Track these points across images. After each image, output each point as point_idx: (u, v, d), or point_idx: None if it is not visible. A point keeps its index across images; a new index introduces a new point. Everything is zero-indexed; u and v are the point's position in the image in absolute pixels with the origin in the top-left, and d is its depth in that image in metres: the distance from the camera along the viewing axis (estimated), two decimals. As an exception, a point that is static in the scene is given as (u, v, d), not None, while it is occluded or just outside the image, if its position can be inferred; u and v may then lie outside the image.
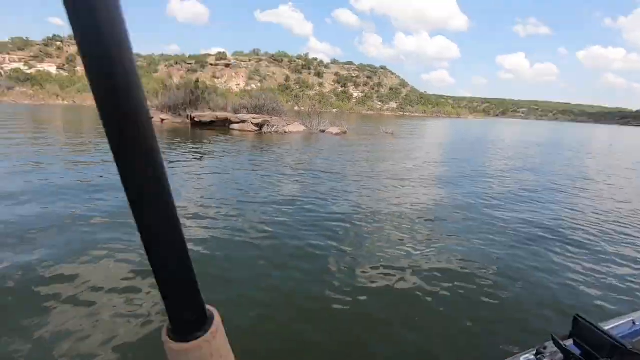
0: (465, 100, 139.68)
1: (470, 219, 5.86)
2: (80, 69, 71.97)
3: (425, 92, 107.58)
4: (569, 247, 4.87)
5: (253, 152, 12.31)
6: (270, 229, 4.87)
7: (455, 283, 3.69)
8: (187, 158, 10.18)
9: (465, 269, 4.02)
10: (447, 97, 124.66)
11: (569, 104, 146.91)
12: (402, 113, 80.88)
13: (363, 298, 3.31)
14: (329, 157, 11.80)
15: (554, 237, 5.21)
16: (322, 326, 2.88)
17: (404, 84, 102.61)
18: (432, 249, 4.51)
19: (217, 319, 0.31)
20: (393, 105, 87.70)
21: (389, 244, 4.63)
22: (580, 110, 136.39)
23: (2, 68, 60.02)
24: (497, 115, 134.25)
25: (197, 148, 12.32)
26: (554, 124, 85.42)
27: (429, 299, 3.37)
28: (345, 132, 20.83)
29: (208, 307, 0.31)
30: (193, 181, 7.48)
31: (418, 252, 4.39)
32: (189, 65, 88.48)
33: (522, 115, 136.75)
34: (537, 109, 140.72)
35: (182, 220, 4.76)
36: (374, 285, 3.57)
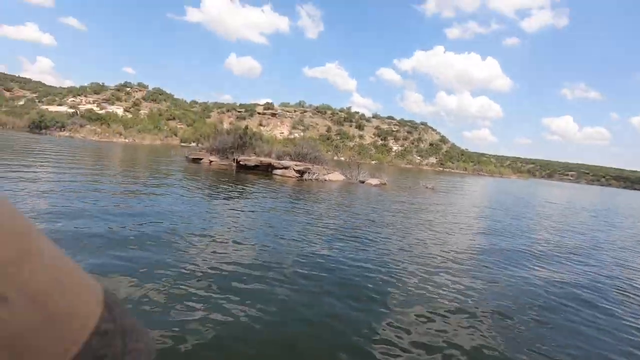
0: (509, 160, 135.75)
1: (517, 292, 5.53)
2: (142, 112, 79.66)
3: (467, 149, 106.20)
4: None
5: (293, 197, 12.63)
6: (303, 280, 4.87)
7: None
8: (230, 197, 10.65)
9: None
10: (489, 155, 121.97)
11: (623, 169, 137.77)
12: (441, 169, 79.81)
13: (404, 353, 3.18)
14: (368, 207, 11.81)
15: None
16: None
17: (444, 140, 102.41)
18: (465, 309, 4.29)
19: None
20: (432, 160, 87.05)
21: (431, 301, 4.47)
22: (637, 177, 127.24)
23: (78, 108, 67.79)
24: (543, 177, 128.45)
25: (240, 189, 12.88)
26: (608, 190, 79.88)
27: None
28: (384, 184, 20.86)
29: None
30: (231, 220, 7.77)
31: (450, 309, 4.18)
32: (239, 113, 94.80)
33: (572, 178, 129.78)
34: (588, 173, 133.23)
35: (211, 255, 4.96)
36: (417, 340, 3.43)
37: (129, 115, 71.36)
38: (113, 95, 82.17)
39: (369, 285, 4.71)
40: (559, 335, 3.93)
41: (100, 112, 66.66)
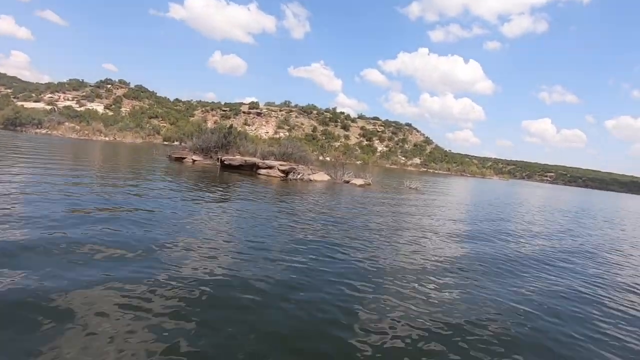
0: (490, 161, 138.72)
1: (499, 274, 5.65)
2: (124, 109, 77.80)
3: (450, 150, 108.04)
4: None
5: (278, 198, 12.56)
6: (284, 277, 4.86)
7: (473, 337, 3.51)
8: (213, 198, 10.50)
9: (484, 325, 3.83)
10: (472, 156, 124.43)
11: (599, 171, 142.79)
12: (425, 169, 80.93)
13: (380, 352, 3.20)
14: (352, 208, 11.86)
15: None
16: None
17: (428, 141, 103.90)
18: (447, 303, 4.36)
19: None
20: (417, 160, 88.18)
21: (408, 297, 4.51)
22: (612, 178, 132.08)
23: (57, 105, 65.67)
24: (523, 178, 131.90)
25: (223, 189, 12.72)
26: (584, 191, 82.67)
27: (445, 349, 3.22)
28: (369, 184, 20.99)
29: None
30: (214, 220, 7.66)
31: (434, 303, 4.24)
32: (224, 112, 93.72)
33: (550, 179, 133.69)
34: (566, 174, 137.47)
35: (195, 256, 4.85)
36: (388, 341, 3.46)
37: (110, 113, 69.63)
38: (93, 92, 79.94)
39: (348, 284, 4.72)
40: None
41: (79, 109, 64.80)
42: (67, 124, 45.66)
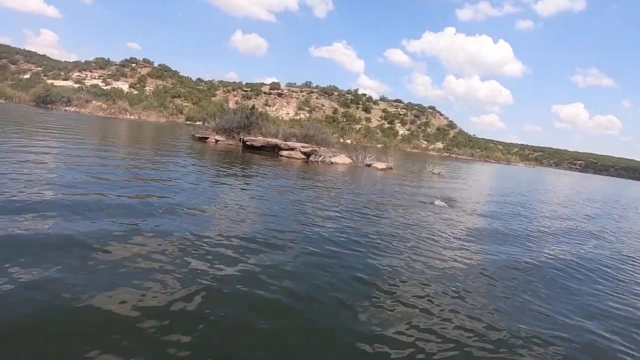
0: (516, 147, 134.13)
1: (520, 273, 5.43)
2: (148, 88, 79.06)
3: (474, 135, 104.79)
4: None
5: (299, 179, 12.52)
6: (302, 264, 4.79)
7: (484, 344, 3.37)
8: (235, 178, 10.54)
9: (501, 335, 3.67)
10: (497, 142, 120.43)
11: (633, 160, 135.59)
12: (448, 154, 79.03)
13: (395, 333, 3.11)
14: (375, 192, 11.69)
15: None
16: None
17: (452, 125, 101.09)
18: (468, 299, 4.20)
19: None
20: (439, 145, 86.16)
21: (428, 288, 4.38)
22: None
23: (84, 83, 67.34)
24: (551, 165, 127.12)
25: (245, 169, 12.77)
26: (615, 180, 78.94)
27: (461, 337, 3.10)
28: (391, 168, 20.65)
29: None
30: (236, 200, 7.68)
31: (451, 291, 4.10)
32: (245, 92, 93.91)
33: (579, 167, 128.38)
34: (597, 162, 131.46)
35: (212, 235, 4.92)
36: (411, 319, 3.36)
37: (134, 92, 70.95)
38: (118, 71, 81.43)
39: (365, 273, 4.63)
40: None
41: (105, 87, 66.29)
42: (94, 102, 46.87)
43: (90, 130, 21.50)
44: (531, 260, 6.12)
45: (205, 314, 3.15)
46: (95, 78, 76.90)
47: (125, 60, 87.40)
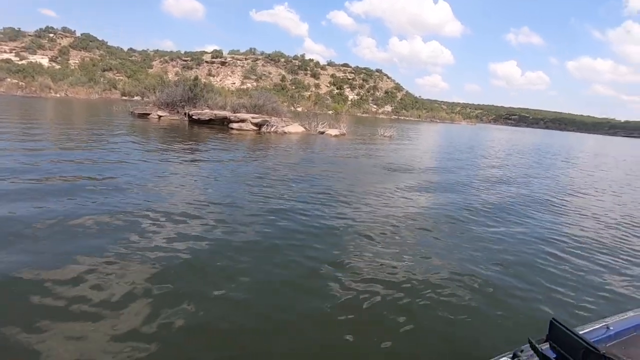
0: (459, 106, 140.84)
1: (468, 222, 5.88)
2: (72, 62, 70.77)
3: (420, 96, 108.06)
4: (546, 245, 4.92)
5: (251, 151, 12.22)
6: (265, 232, 4.81)
7: (435, 289, 3.70)
8: (185, 157, 10.03)
9: (446, 274, 4.03)
10: (441, 102, 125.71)
11: (560, 112, 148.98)
12: (396, 117, 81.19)
13: (349, 300, 3.29)
14: (331, 160, 11.78)
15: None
16: (297, 328, 2.86)
17: (398, 87, 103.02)
18: (419, 254, 4.52)
19: None
20: (388, 108, 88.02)
21: (385, 249, 4.62)
22: (571, 119, 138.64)
23: (-8, 58, 58.66)
24: (490, 122, 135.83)
25: (194, 145, 12.18)
26: (543, 132, 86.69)
27: (411, 303, 3.39)
28: (344, 134, 20.82)
29: None
30: (188, 180, 7.37)
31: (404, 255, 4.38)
32: (185, 62, 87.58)
33: (513, 122, 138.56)
34: (528, 117, 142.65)
35: (172, 220, 4.75)
36: (361, 285, 3.55)
37: (57, 66, 63.29)
38: (34, 43, 71.55)
39: (327, 238, 4.76)
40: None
41: (20, 62, 58.39)
42: (8, 79, 41.27)
43: (10, 112, 19.01)
44: (466, 205, 6.63)
45: (164, 286, 3.05)
46: (5, 52, 67.18)
47: (41, 29, 76.90)
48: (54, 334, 2.51)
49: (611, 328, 2.05)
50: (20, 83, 41.33)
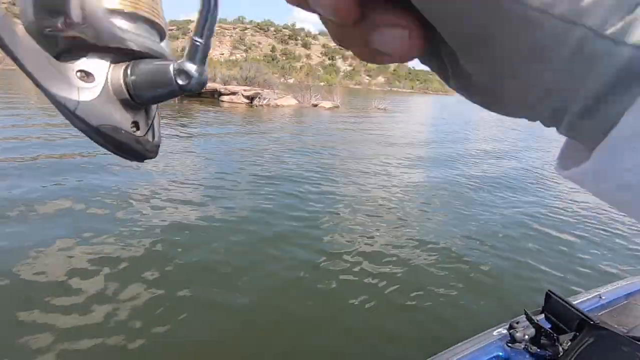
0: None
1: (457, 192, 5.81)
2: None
3: (413, 67, 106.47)
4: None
5: (244, 125, 11.87)
6: (261, 208, 4.66)
7: (430, 258, 3.65)
8: (177, 132, 9.65)
9: (443, 245, 3.96)
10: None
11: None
12: (389, 88, 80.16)
13: (342, 274, 3.19)
14: (326, 134, 11.52)
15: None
16: (297, 301, 2.82)
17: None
18: (411, 225, 4.43)
19: None
20: (381, 79, 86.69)
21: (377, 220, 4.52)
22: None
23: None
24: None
25: (185, 119, 11.77)
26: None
27: (406, 274, 3.34)
28: (337, 107, 20.40)
29: None
30: (182, 158, 7.10)
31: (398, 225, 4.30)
32: (170, 31, 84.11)
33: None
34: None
35: (164, 199, 4.56)
36: (354, 260, 3.46)
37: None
38: (8, 11, 67.83)
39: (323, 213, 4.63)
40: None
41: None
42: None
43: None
44: (453, 178, 6.55)
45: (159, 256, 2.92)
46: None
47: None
48: (36, 323, 2.35)
49: (603, 297, 2.16)
50: (-3, 54, 39.31)
